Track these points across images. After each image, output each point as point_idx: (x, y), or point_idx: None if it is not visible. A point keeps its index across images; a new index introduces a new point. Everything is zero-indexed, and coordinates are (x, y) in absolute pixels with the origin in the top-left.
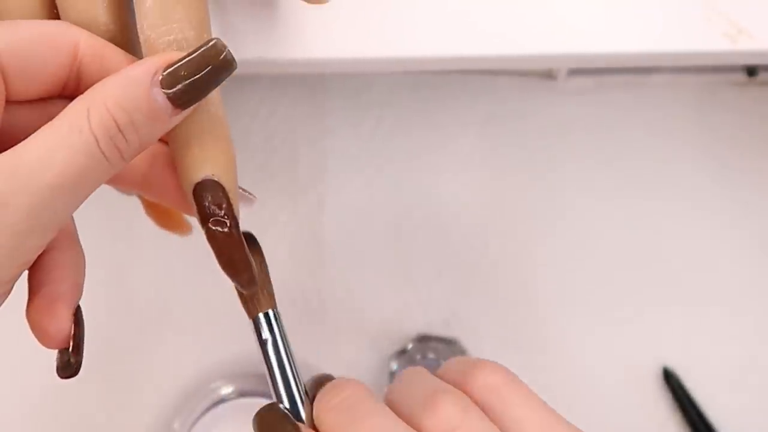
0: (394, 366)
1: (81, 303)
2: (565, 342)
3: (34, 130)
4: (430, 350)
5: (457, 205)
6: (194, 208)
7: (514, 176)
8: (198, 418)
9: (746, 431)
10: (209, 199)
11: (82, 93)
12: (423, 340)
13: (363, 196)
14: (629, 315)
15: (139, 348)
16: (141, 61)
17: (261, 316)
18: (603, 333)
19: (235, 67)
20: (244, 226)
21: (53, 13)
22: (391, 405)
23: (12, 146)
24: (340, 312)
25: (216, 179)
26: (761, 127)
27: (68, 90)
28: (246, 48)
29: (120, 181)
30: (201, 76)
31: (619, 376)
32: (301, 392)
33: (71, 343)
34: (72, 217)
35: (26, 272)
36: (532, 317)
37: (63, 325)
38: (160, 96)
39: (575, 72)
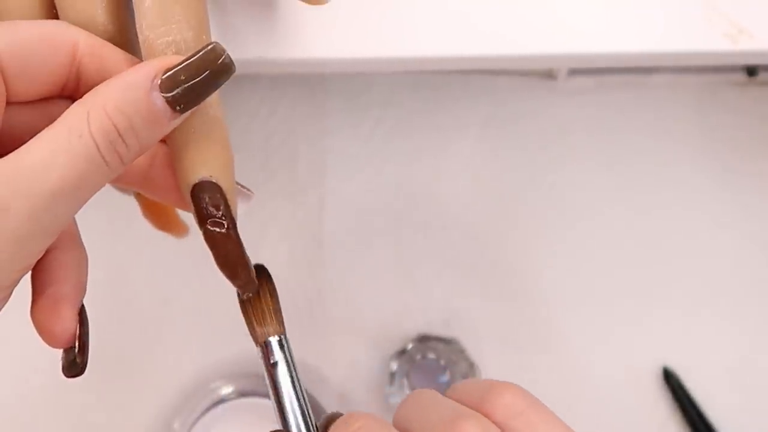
0: (394, 366)
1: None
2: (565, 342)
3: (35, 131)
4: (430, 350)
5: (457, 205)
6: (192, 209)
7: (514, 176)
8: (198, 418)
9: (746, 431)
10: (207, 200)
11: (81, 93)
12: (423, 340)
13: (363, 196)
14: (629, 315)
15: (139, 348)
16: (140, 65)
17: (272, 340)
18: (603, 333)
19: (234, 71)
20: (243, 225)
21: (52, 13)
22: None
23: (12, 146)
24: (340, 312)
25: (214, 180)
26: (761, 127)
27: (68, 90)
28: (246, 48)
29: (120, 180)
30: (200, 79)
31: (620, 376)
32: (311, 422)
33: (77, 343)
34: (75, 219)
35: (29, 274)
36: (532, 317)
37: (68, 324)
38: (159, 100)
39: (575, 72)
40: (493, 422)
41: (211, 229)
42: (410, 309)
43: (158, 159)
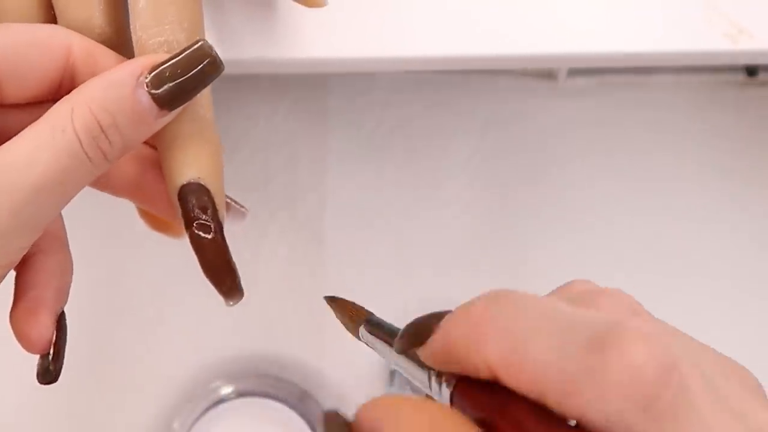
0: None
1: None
2: None
3: None
4: None
5: (457, 205)
6: (178, 211)
7: (514, 176)
8: (198, 418)
9: None
10: (194, 202)
11: None
12: None
13: (363, 196)
14: None
15: (139, 348)
16: (126, 62)
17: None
18: None
19: (222, 69)
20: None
21: (50, 15)
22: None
23: None
24: None
25: (202, 182)
26: (761, 127)
27: (62, 93)
28: (246, 48)
29: (110, 187)
30: (187, 77)
31: None
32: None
33: (52, 350)
34: (63, 223)
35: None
36: None
37: (44, 331)
38: (144, 97)
39: (575, 72)
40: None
41: (197, 232)
42: (410, 309)
43: (149, 167)
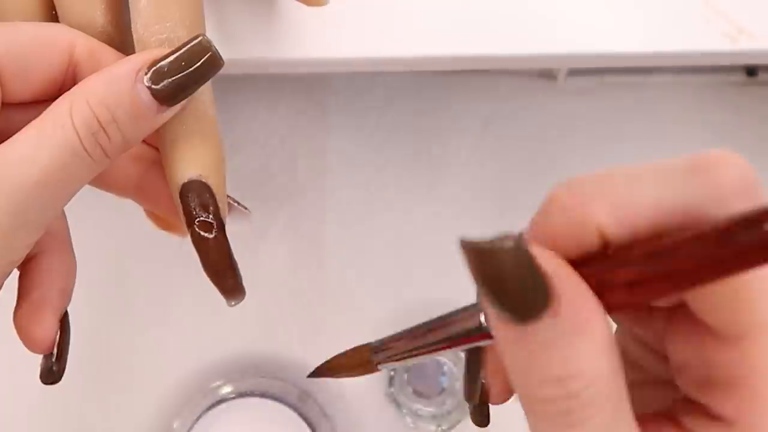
0: None
1: (81, 303)
2: None
3: None
4: None
5: (457, 205)
6: (180, 209)
7: (515, 176)
8: (198, 418)
9: None
10: (195, 200)
11: None
12: None
13: (363, 196)
14: None
15: (139, 348)
16: (126, 58)
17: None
18: None
19: (222, 65)
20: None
21: (52, 15)
22: None
23: None
24: (340, 312)
25: (203, 180)
26: (761, 127)
27: (65, 91)
28: (246, 48)
29: (112, 187)
30: (186, 73)
31: None
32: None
33: (55, 350)
34: (66, 223)
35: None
36: None
37: (48, 331)
38: (144, 93)
39: (575, 72)
40: None
41: (198, 231)
42: (410, 309)
43: (152, 167)
